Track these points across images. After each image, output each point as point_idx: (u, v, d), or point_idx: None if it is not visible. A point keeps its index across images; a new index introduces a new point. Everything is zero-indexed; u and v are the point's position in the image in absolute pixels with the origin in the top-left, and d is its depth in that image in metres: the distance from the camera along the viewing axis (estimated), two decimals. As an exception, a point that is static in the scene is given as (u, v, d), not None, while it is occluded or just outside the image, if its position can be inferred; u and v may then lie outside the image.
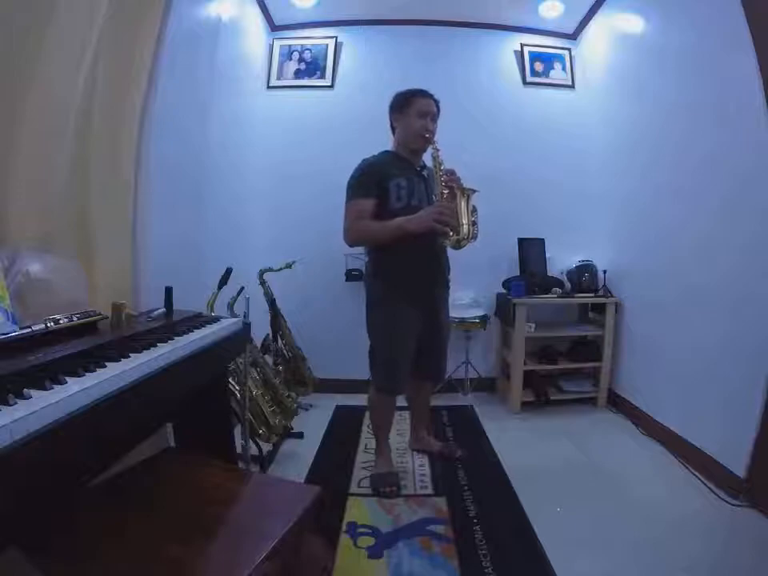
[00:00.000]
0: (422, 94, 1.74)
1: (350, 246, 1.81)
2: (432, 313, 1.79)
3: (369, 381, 1.85)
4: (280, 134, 2.89)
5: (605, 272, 2.70)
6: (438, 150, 1.67)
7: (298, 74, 2.93)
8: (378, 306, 1.75)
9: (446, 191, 1.61)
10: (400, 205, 1.67)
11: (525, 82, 2.95)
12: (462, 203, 1.59)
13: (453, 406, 2.67)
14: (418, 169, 1.79)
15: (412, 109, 1.72)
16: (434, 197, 1.68)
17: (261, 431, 1.84)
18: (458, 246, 1.60)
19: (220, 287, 1.75)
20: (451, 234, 1.57)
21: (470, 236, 1.59)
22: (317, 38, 2.94)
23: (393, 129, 1.83)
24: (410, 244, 1.62)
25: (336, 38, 2.93)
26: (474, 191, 1.63)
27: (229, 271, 1.76)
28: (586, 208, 2.91)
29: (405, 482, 1.82)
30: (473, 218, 1.60)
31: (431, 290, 1.78)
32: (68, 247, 1.18)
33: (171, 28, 1.61)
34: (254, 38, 2.73)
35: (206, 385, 1.24)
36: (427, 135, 1.69)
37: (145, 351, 0.90)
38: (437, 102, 1.77)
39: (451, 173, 1.65)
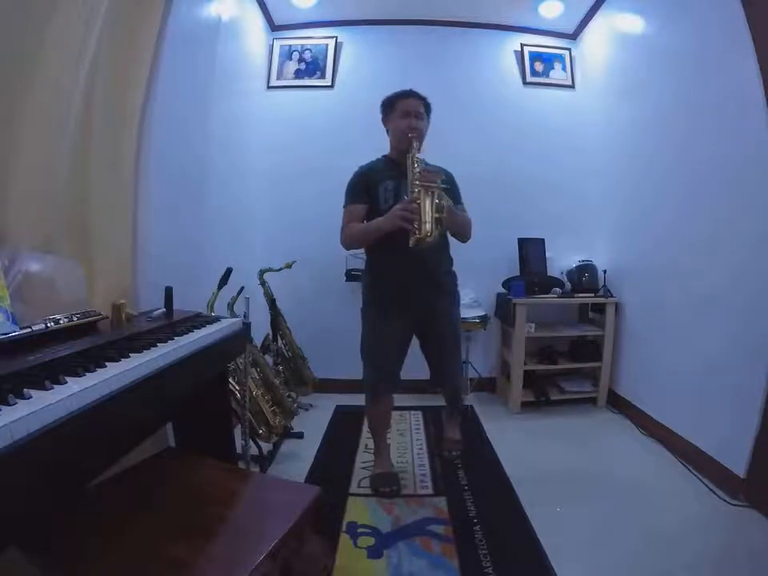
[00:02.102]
0: (405, 94, 1.75)
1: (346, 249, 1.85)
2: (426, 318, 1.78)
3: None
4: (280, 134, 2.89)
5: (605, 272, 2.70)
6: (414, 149, 1.63)
7: (298, 73, 2.93)
8: (365, 307, 1.82)
9: (416, 190, 1.56)
10: (387, 206, 1.66)
11: (525, 82, 2.95)
12: (426, 201, 1.52)
13: (453, 406, 2.67)
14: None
15: (396, 111, 1.74)
16: (404, 196, 1.63)
17: (261, 431, 1.84)
18: (418, 244, 1.53)
19: (220, 287, 1.75)
20: (417, 232, 1.52)
21: (431, 234, 1.50)
22: (317, 38, 2.94)
23: (388, 133, 1.84)
24: (391, 246, 1.60)
25: (336, 37, 2.93)
26: (442, 188, 1.56)
27: (229, 271, 1.77)
28: (586, 208, 2.92)
29: (405, 482, 1.82)
30: (436, 215, 1.52)
31: (419, 293, 1.73)
32: (68, 247, 1.18)
33: (171, 28, 1.61)
34: (254, 37, 2.73)
35: (206, 385, 1.24)
36: (410, 134, 1.66)
37: (145, 351, 0.90)
38: (424, 100, 1.77)
39: (428, 171, 1.59)
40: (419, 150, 1.69)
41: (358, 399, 2.70)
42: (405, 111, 1.71)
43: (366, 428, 2.35)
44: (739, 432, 1.66)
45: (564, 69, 2.99)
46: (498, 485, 1.81)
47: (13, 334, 0.82)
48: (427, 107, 1.78)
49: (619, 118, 2.65)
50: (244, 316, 1.58)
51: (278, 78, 2.93)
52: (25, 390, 0.62)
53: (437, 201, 1.53)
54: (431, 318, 1.79)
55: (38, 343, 0.86)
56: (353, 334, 2.88)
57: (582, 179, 2.92)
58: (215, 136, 2.15)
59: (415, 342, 1.88)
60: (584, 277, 2.71)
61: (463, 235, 1.79)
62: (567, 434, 2.32)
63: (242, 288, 1.93)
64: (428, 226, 1.50)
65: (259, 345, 2.28)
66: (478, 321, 2.64)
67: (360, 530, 1.51)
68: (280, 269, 2.35)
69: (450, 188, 1.72)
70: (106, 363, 0.80)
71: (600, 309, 2.68)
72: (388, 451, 1.94)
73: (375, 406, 1.86)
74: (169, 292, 1.30)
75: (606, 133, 2.78)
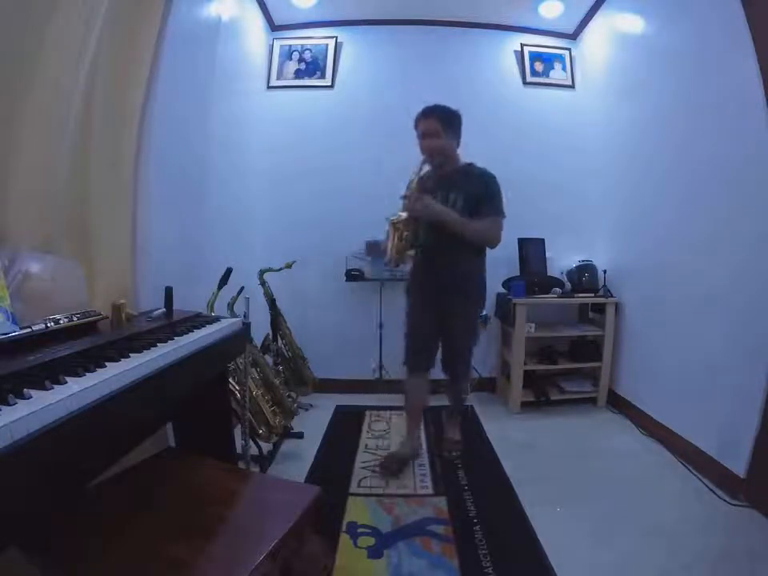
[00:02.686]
0: (421, 115, 1.85)
1: None
2: (441, 314, 1.92)
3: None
4: (280, 134, 2.89)
5: (605, 272, 2.70)
6: (415, 174, 1.80)
7: (298, 73, 2.93)
8: (406, 299, 2.05)
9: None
10: None
11: (525, 82, 2.95)
12: (394, 233, 1.80)
13: (453, 406, 2.66)
14: (443, 181, 1.88)
15: (418, 132, 1.87)
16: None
17: (261, 431, 1.84)
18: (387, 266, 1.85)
19: (220, 287, 1.75)
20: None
21: (391, 260, 1.83)
22: (317, 38, 2.94)
23: None
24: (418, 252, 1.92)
25: (336, 38, 2.93)
26: (400, 218, 1.80)
27: (229, 271, 1.76)
28: (586, 208, 2.92)
29: (405, 482, 1.83)
30: (399, 244, 1.81)
31: (437, 293, 1.90)
32: (68, 247, 1.18)
33: (171, 28, 1.61)
34: (254, 37, 2.73)
35: (206, 385, 1.24)
36: (423, 155, 1.82)
37: (145, 351, 0.90)
38: (441, 116, 1.82)
39: (407, 198, 1.78)
40: (439, 163, 1.88)
41: (358, 399, 2.72)
42: (420, 133, 1.85)
43: (366, 428, 2.37)
44: (739, 432, 1.66)
45: (564, 69, 2.98)
46: (498, 485, 1.81)
47: (13, 333, 0.82)
48: (446, 121, 1.83)
49: (619, 118, 2.65)
50: (244, 316, 1.58)
51: (278, 78, 2.93)
52: (25, 390, 0.62)
53: (401, 232, 1.80)
54: (447, 317, 1.92)
55: (38, 343, 0.86)
56: (353, 334, 2.91)
57: (582, 179, 2.92)
58: (215, 136, 2.15)
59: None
60: (584, 277, 2.71)
61: (482, 242, 1.87)
62: (567, 434, 2.32)
63: (242, 288, 1.93)
64: (390, 253, 1.81)
65: (259, 345, 2.27)
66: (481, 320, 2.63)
67: (360, 530, 1.51)
68: (280, 269, 2.35)
69: (479, 196, 1.82)
70: (106, 363, 0.80)
71: (600, 309, 2.68)
72: (415, 435, 2.05)
73: (408, 384, 2.02)
74: (169, 292, 1.30)
75: (606, 133, 2.78)
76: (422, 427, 2.28)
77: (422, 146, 1.85)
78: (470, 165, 1.92)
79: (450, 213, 1.78)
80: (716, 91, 1.82)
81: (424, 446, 2.17)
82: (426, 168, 1.89)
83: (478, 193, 1.81)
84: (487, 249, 1.93)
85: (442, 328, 1.96)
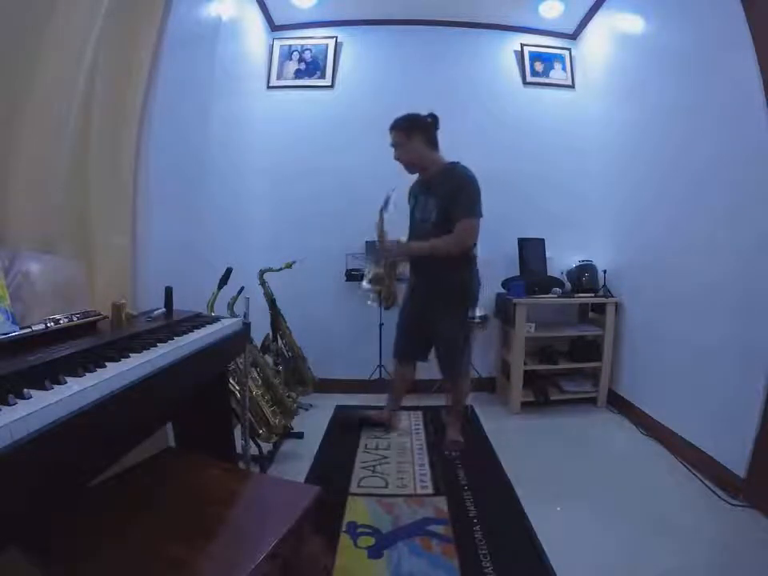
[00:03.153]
0: (389, 129, 1.97)
1: None
2: (429, 318, 2.04)
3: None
4: (280, 134, 2.89)
5: (605, 272, 2.70)
6: (378, 217, 2.04)
7: (298, 73, 2.93)
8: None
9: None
10: (411, 218, 2.10)
11: (525, 82, 2.95)
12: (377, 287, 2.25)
13: (453, 406, 2.66)
14: (427, 185, 2.02)
15: None
16: (415, 213, 2.10)
17: (261, 431, 1.84)
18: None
19: (220, 287, 1.74)
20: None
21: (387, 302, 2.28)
22: (317, 38, 2.95)
23: None
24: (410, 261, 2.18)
25: (336, 38, 2.93)
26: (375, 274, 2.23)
27: (229, 271, 1.76)
28: (586, 208, 2.92)
29: (405, 482, 1.83)
30: (386, 292, 2.24)
31: (423, 299, 2.07)
32: (68, 247, 1.18)
33: (171, 28, 1.61)
34: (254, 37, 2.73)
35: (206, 385, 1.24)
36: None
37: (145, 351, 0.90)
38: (399, 126, 1.94)
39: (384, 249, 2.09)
40: (414, 171, 2.04)
41: (358, 399, 2.72)
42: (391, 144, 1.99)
43: (365, 428, 2.37)
44: (739, 432, 1.66)
45: (564, 69, 2.99)
46: (497, 485, 1.81)
47: (13, 333, 0.82)
48: (407, 130, 1.91)
49: (619, 118, 2.65)
50: (244, 316, 1.58)
51: (278, 78, 2.93)
52: (25, 389, 0.62)
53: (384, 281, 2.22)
54: (434, 321, 2.03)
55: (38, 343, 0.85)
56: (353, 334, 2.91)
57: (582, 179, 2.92)
58: (215, 136, 2.15)
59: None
60: (584, 277, 2.71)
61: (456, 251, 1.91)
62: (567, 433, 2.32)
63: (242, 288, 1.93)
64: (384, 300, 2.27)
65: (259, 345, 2.27)
66: (478, 321, 2.63)
67: (360, 530, 1.51)
68: (280, 269, 2.34)
69: (452, 199, 1.88)
70: (106, 363, 0.80)
71: (600, 309, 2.68)
72: (388, 410, 2.32)
73: (394, 369, 2.31)
74: (169, 292, 1.30)
75: (606, 133, 2.78)
76: (404, 414, 2.29)
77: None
78: (452, 166, 1.94)
79: (413, 246, 2.00)
80: (716, 91, 1.82)
81: (424, 446, 2.17)
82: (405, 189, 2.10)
83: (451, 195, 1.86)
84: (477, 251, 2.00)
85: (431, 331, 2.07)
